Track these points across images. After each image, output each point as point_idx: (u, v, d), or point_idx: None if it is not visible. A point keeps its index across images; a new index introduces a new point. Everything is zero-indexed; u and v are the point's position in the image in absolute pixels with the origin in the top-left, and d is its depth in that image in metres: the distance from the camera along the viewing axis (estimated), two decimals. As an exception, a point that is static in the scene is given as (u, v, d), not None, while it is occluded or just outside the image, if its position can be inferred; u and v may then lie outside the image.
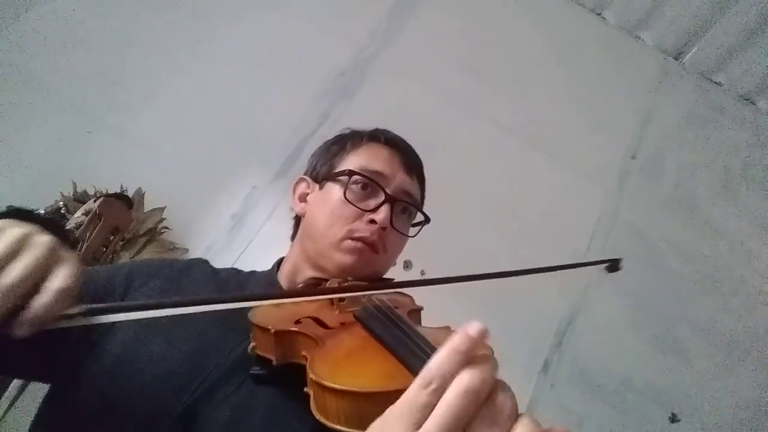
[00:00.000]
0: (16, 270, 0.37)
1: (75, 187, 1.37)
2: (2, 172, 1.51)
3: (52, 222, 0.54)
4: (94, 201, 1.12)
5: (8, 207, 0.51)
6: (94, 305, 0.41)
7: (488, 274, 0.58)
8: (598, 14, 2.20)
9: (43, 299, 0.37)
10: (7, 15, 1.70)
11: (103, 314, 0.41)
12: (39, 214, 0.55)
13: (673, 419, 1.60)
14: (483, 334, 0.35)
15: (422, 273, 1.46)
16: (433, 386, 0.33)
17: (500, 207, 1.79)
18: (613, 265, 0.63)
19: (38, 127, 1.59)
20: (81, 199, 1.30)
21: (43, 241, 0.39)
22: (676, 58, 2.18)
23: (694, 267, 1.83)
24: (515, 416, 0.33)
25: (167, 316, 0.62)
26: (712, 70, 2.16)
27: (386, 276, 0.78)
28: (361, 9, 1.98)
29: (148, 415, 0.53)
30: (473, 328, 0.35)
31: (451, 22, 2.05)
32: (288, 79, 1.81)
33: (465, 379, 0.33)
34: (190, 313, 0.64)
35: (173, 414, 0.53)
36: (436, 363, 0.34)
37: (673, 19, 2.09)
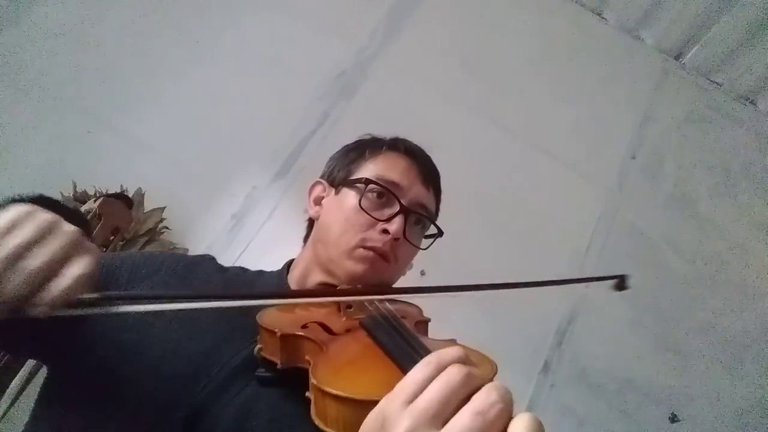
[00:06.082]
0: (42, 254, 0.39)
1: (75, 187, 1.37)
2: (2, 172, 1.51)
3: (77, 214, 0.57)
4: (94, 201, 1.12)
5: (38, 194, 0.55)
6: (112, 292, 0.42)
7: (487, 285, 0.60)
8: (598, 14, 2.20)
9: (62, 282, 0.39)
10: (7, 15, 1.70)
11: (119, 304, 0.43)
12: (66, 206, 0.58)
13: (673, 419, 1.60)
14: (460, 356, 0.38)
15: (422, 273, 1.46)
16: (430, 367, 0.36)
17: (500, 207, 1.79)
18: (620, 284, 0.63)
19: (38, 127, 1.60)
20: (81, 199, 1.30)
21: (68, 230, 0.42)
22: (676, 58, 2.18)
23: (694, 267, 1.83)
24: (505, 417, 0.33)
25: (173, 314, 0.62)
26: (712, 70, 2.16)
27: (396, 285, 0.77)
28: (361, 9, 1.98)
29: (156, 416, 0.53)
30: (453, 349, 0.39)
31: (450, 22, 2.05)
32: (288, 79, 1.81)
33: (457, 368, 0.36)
34: (195, 313, 0.64)
35: (180, 415, 0.53)
36: (438, 352, 0.38)
37: (673, 19, 2.09)
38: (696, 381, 1.66)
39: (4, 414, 1.13)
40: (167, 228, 1.51)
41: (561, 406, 1.57)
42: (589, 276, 0.63)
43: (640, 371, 1.65)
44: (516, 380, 1.57)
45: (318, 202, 0.80)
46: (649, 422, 1.59)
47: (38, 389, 0.61)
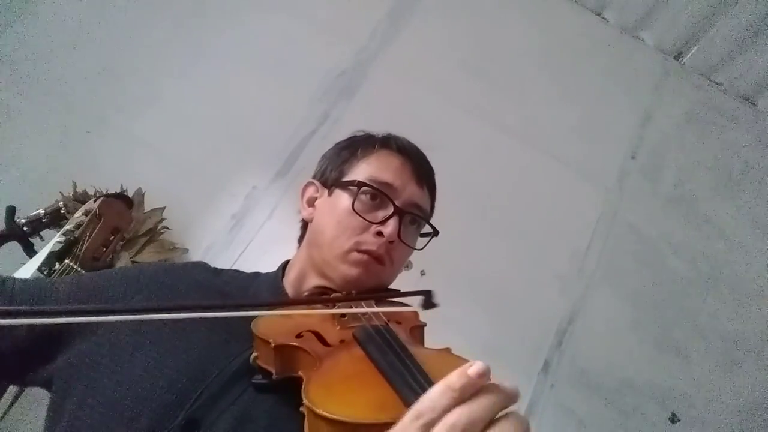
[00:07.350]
0: None
1: (75, 187, 1.37)
2: (3, 173, 1.51)
3: None
4: (94, 201, 1.12)
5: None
6: None
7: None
8: (598, 14, 2.19)
9: None
10: (8, 15, 1.70)
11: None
12: None
13: (673, 419, 1.60)
14: (483, 375, 0.36)
15: (422, 273, 1.46)
16: (423, 420, 0.34)
17: (500, 207, 1.79)
18: (428, 301, 0.62)
19: (38, 127, 1.60)
20: (81, 199, 1.30)
21: None
22: (676, 58, 2.18)
23: (694, 267, 1.83)
24: None
25: (166, 322, 0.62)
26: (712, 70, 2.16)
27: (392, 286, 0.76)
28: (361, 9, 1.98)
29: (151, 424, 0.52)
30: (474, 368, 0.36)
31: (450, 22, 2.05)
32: (288, 79, 1.81)
33: (453, 417, 0.34)
34: (190, 319, 0.63)
35: (176, 423, 0.52)
36: (428, 397, 0.35)
37: (673, 19, 2.08)
38: (696, 381, 1.66)
39: (4, 414, 1.13)
40: (167, 228, 1.51)
41: (561, 406, 1.57)
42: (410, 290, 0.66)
43: (640, 371, 1.65)
44: (516, 380, 1.57)
45: (311, 203, 0.78)
46: (649, 422, 1.59)
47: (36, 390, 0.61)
